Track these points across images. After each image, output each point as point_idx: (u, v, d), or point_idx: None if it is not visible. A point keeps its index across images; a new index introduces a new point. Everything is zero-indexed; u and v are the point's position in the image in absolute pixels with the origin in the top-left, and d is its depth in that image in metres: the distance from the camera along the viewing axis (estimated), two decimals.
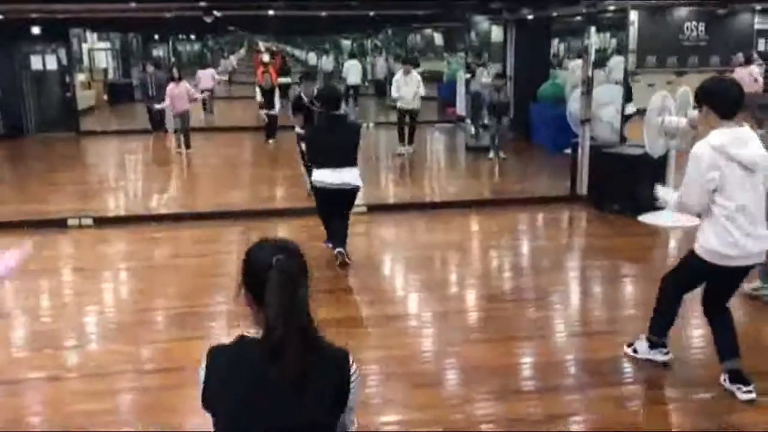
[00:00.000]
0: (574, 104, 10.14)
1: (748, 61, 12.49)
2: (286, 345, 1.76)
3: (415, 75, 12.33)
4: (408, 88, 12.09)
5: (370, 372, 4.55)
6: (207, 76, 18.53)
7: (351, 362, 1.94)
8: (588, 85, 9.03)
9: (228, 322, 5.28)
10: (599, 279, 6.43)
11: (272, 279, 1.79)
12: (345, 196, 6.40)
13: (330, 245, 6.55)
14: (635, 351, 4.49)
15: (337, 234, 6.48)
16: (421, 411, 4.01)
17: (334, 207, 6.47)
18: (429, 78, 21.87)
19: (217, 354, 1.90)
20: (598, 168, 8.59)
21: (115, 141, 14.92)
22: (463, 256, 7.11)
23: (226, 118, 18.24)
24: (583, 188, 8.82)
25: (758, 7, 11.53)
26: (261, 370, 1.80)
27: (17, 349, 5.07)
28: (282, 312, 1.77)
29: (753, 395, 3.94)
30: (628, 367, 4.58)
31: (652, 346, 4.40)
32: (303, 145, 7.39)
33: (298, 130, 8.32)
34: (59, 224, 7.96)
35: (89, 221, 8.07)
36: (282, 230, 7.74)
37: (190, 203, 9.33)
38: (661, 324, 4.36)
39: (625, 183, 8.04)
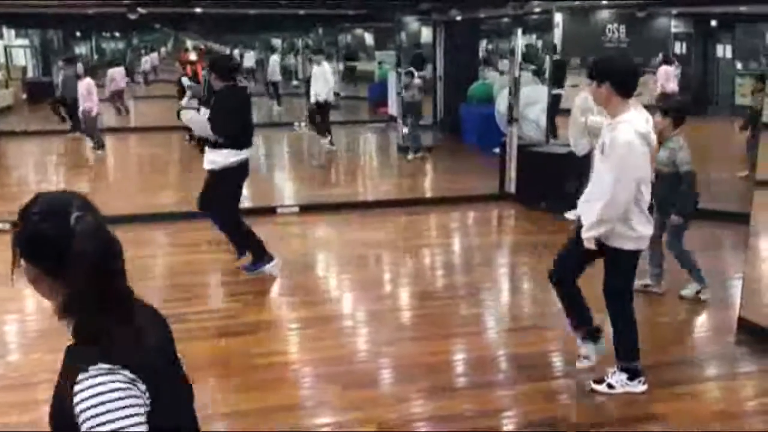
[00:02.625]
0: (502, 104, 10.34)
1: (667, 62, 13.02)
2: None
3: (324, 66, 12.36)
4: (318, 80, 12.15)
5: (304, 374, 4.53)
6: (119, 75, 17.96)
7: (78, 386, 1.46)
8: (515, 85, 9.22)
9: None
10: (527, 275, 6.57)
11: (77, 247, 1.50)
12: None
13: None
14: (610, 387, 4.09)
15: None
16: (356, 411, 4.01)
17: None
18: (361, 78, 21.99)
19: None
20: (525, 166, 8.79)
21: (35, 141, 14.35)
22: (395, 254, 7.15)
23: (145, 118, 17.81)
24: (511, 186, 9.00)
25: (675, 11, 12.04)
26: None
27: None
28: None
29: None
30: (557, 362, 4.70)
31: (632, 376, 4.09)
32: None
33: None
34: None
35: (6, 225, 7.73)
36: (209, 233, 7.62)
37: (113, 206, 9.05)
38: (630, 343, 4.10)
39: (551, 181, 8.24)
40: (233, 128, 5.82)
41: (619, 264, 4.01)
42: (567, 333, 4.60)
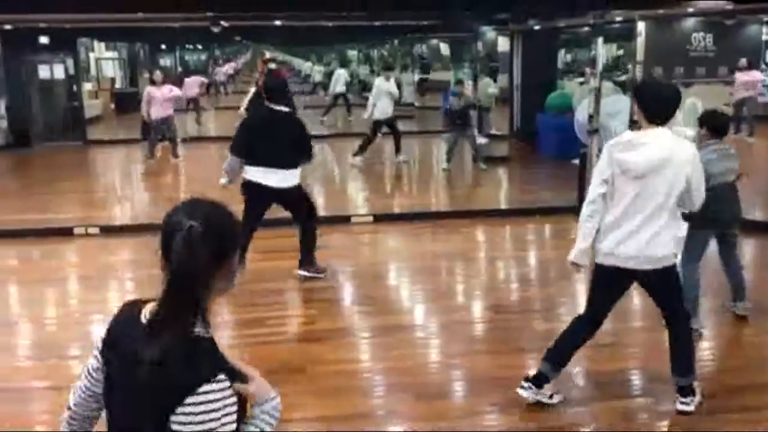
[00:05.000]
0: (582, 114, 10.11)
1: (742, 69, 12.47)
2: (163, 326, 1.58)
3: (385, 82, 12.09)
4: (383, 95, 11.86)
5: (376, 382, 4.53)
6: (193, 84, 18.33)
7: (203, 389, 1.55)
8: (596, 95, 9.00)
9: (229, 331, 5.26)
10: None
11: (175, 251, 1.59)
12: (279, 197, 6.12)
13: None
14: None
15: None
16: (426, 422, 3.98)
17: (263, 210, 6.18)
18: (436, 88, 21.99)
19: (124, 309, 1.79)
20: None
21: (122, 150, 14.95)
22: (468, 266, 7.08)
23: (224, 127, 18.24)
24: None
25: (766, 18, 11.51)
26: (135, 343, 1.62)
27: (22, 357, 5.06)
28: (169, 288, 1.60)
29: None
30: (635, 380, 4.55)
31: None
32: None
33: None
34: (65, 233, 7.96)
35: (95, 230, 8.08)
36: (285, 240, 7.73)
37: None
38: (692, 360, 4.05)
39: None
40: (238, 146, 6.08)
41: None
42: (647, 351, 4.44)
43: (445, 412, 4.12)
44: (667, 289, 3.95)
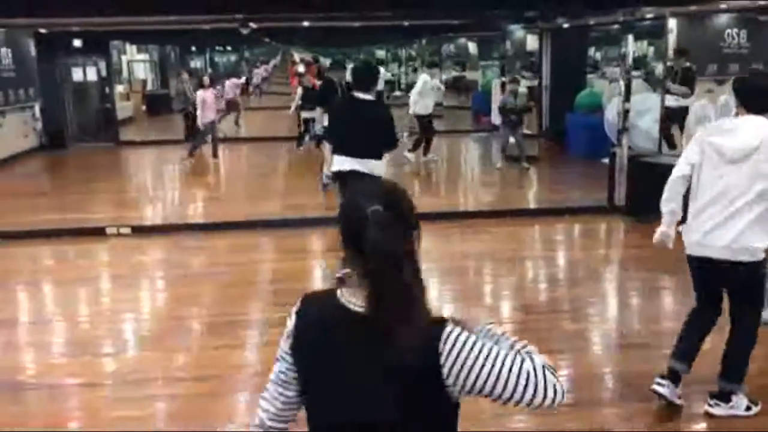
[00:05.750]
0: (611, 112, 10.01)
1: None
2: (397, 326, 1.53)
3: (422, 78, 12.33)
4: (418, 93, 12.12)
5: None
6: (230, 87, 18.54)
7: (446, 336, 1.58)
8: (626, 93, 8.90)
9: (262, 331, 5.30)
10: (637, 291, 6.31)
11: (369, 238, 1.53)
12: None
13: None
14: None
15: None
16: None
17: None
18: (464, 88, 21.92)
19: (309, 306, 1.73)
20: (636, 177, 8.45)
21: (153, 151, 15.15)
22: (498, 266, 7.04)
23: (257, 129, 18.40)
24: (620, 198, 8.67)
25: None
26: (362, 351, 1.58)
27: (57, 355, 5.15)
28: (386, 284, 1.55)
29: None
30: None
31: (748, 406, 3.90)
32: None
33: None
34: (98, 233, 8.09)
35: (127, 230, 8.19)
36: (315, 240, 7.77)
37: (226, 212, 9.41)
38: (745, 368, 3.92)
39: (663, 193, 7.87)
40: (331, 135, 6.08)
41: (760, 276, 3.88)
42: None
43: (473, 414, 4.09)
44: (748, 287, 3.85)
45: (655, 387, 4.00)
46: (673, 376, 3.97)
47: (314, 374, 1.68)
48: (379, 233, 1.53)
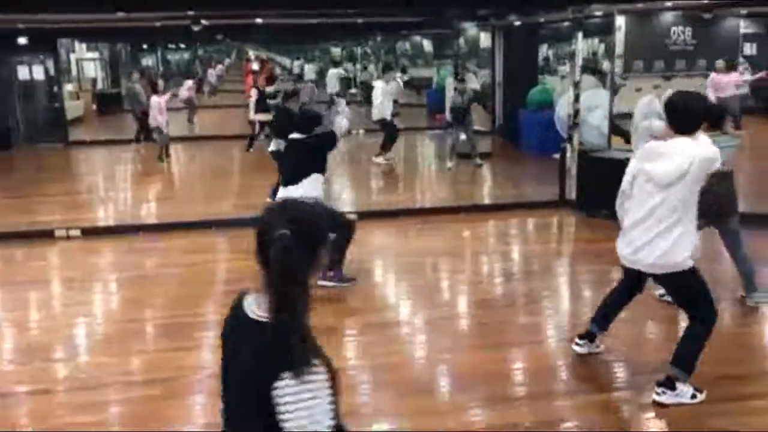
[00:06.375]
0: (562, 109, 10.16)
1: (731, 68, 12.51)
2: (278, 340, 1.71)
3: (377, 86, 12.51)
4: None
5: (361, 380, 4.54)
6: (190, 86, 19.05)
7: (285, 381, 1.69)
8: (576, 89, 9.05)
9: (218, 332, 5.24)
10: (589, 284, 6.44)
11: (272, 258, 1.73)
12: None
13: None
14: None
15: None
16: (413, 419, 4.00)
17: None
18: (419, 85, 22.02)
19: (234, 304, 1.94)
20: (586, 172, 8.61)
21: (104, 151, 14.86)
22: (453, 261, 7.10)
23: (211, 127, 18.24)
24: (572, 193, 8.83)
25: (744, 11, 11.63)
26: (244, 354, 1.78)
27: (5, 361, 5.03)
28: (280, 300, 1.73)
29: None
30: (619, 373, 4.59)
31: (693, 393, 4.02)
32: None
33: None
34: (47, 235, 7.91)
35: (77, 232, 8.03)
36: None
37: (179, 212, 9.29)
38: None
39: (613, 187, 8.02)
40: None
41: (695, 281, 4.07)
42: (629, 343, 4.50)
43: (430, 409, 4.14)
44: (684, 291, 4.06)
45: (574, 347, 4.60)
46: (590, 337, 4.57)
47: (222, 368, 1.94)
48: (281, 255, 1.72)
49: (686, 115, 3.91)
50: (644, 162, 3.99)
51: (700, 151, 3.81)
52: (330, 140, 6.26)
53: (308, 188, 5.97)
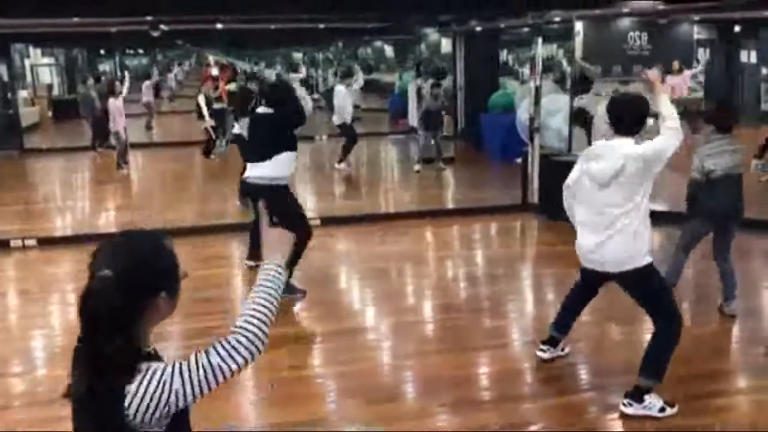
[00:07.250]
0: (523, 113, 10.27)
1: (673, 71, 12.84)
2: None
3: (337, 90, 12.37)
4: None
5: (328, 388, 4.51)
6: (146, 88, 18.45)
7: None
8: (536, 94, 9.16)
9: (180, 343, 5.16)
10: (552, 286, 6.49)
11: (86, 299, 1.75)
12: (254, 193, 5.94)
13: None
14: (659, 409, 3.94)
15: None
16: (380, 425, 3.97)
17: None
18: (381, 90, 22.07)
19: None
20: (547, 176, 8.70)
21: (60, 158, 14.54)
22: (417, 267, 7.10)
23: (170, 133, 18.00)
24: (534, 197, 8.92)
25: (697, 18, 11.92)
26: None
27: None
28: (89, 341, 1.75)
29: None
30: (583, 375, 4.63)
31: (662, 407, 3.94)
32: None
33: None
34: (2, 245, 7.69)
35: (33, 242, 7.83)
36: (233, 247, 7.63)
37: (138, 221, 9.12)
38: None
39: None
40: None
41: (658, 280, 4.14)
42: (594, 345, 4.54)
43: (397, 415, 4.12)
44: (645, 289, 4.06)
45: (539, 353, 4.60)
46: (553, 342, 4.60)
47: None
48: (95, 298, 1.64)
49: (627, 117, 3.98)
50: (585, 162, 4.07)
51: (631, 150, 3.88)
52: (299, 115, 6.00)
53: (279, 167, 5.80)
